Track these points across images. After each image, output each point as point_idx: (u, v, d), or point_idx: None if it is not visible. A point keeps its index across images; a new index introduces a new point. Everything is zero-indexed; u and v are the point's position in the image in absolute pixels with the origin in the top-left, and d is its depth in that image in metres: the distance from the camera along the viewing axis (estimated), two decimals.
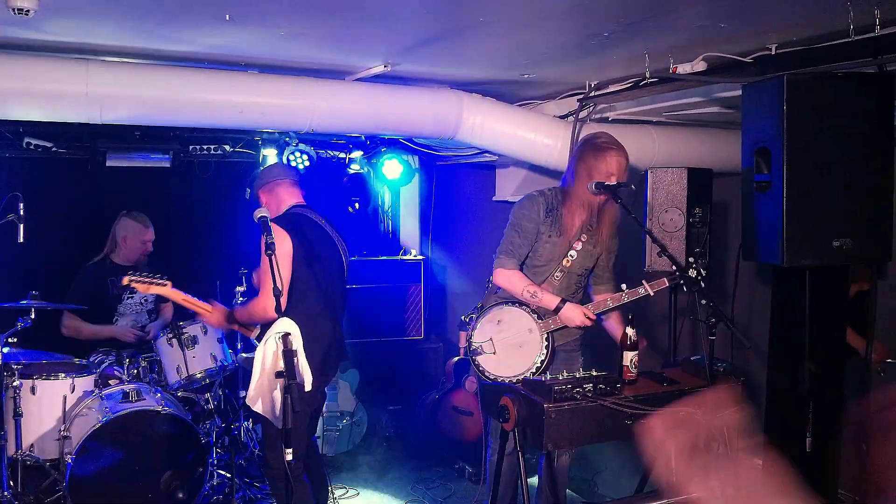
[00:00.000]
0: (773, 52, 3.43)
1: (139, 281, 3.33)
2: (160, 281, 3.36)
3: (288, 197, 3.30)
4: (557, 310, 3.17)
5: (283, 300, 2.68)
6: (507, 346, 3.24)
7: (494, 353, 3.25)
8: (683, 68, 3.56)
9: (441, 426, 4.89)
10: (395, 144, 5.53)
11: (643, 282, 3.16)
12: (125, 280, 3.32)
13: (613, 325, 3.33)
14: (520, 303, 3.27)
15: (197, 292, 4.51)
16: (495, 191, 5.86)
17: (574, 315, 3.15)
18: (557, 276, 3.26)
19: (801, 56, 3.24)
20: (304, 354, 2.39)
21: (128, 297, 4.41)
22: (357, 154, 5.49)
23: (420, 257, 5.55)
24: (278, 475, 3.00)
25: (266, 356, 2.43)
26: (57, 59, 3.70)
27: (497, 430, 3.26)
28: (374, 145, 5.56)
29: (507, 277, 3.28)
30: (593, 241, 3.27)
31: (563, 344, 3.33)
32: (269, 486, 3.41)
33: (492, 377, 3.20)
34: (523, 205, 3.30)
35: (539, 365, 3.16)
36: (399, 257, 5.58)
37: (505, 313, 3.29)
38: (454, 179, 6.17)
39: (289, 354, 2.29)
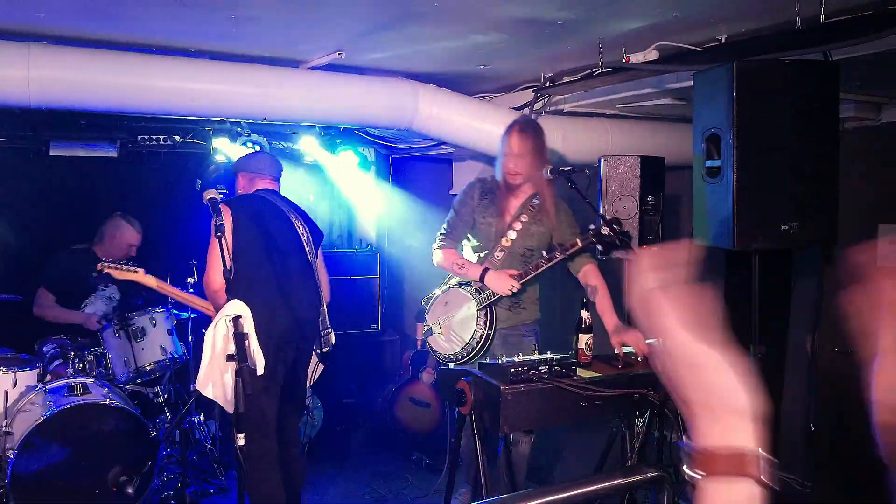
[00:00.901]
0: (723, 42, 3.50)
1: (113, 267, 3.54)
2: (132, 268, 3.58)
3: (261, 185, 3.28)
4: (482, 279, 3.27)
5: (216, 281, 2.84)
6: (451, 324, 3.37)
7: (442, 333, 3.38)
8: (636, 58, 3.61)
9: (398, 418, 4.86)
10: (350, 136, 5.48)
11: (557, 247, 3.27)
12: (99, 266, 3.53)
13: (606, 315, 3.30)
14: (468, 284, 3.37)
15: None
16: (452, 184, 5.86)
17: (498, 280, 3.23)
18: (498, 256, 3.38)
19: (750, 45, 3.31)
20: (255, 337, 2.34)
21: (101, 289, 4.34)
22: (312, 145, 5.41)
23: (376, 251, 5.51)
24: (252, 464, 2.96)
25: (216, 339, 2.37)
26: None
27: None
28: (328, 136, 5.49)
29: (441, 256, 3.48)
30: (537, 221, 3.37)
31: (513, 327, 3.40)
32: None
33: (442, 356, 3.35)
34: (462, 191, 3.54)
35: (478, 339, 3.25)
36: (355, 250, 5.53)
37: (451, 295, 3.43)
38: (411, 173, 6.14)
39: (240, 337, 2.24)
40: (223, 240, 2.49)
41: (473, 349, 3.26)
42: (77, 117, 4.62)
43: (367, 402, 5.14)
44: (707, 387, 0.71)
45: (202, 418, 4.26)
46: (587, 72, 4.04)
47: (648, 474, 2.75)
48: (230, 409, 2.31)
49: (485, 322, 3.27)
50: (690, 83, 3.70)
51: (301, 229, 3.24)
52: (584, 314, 2.97)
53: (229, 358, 2.25)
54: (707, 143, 3.10)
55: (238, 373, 2.18)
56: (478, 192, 3.45)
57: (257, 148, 4.96)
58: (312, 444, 4.72)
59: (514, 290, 3.23)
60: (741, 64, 2.94)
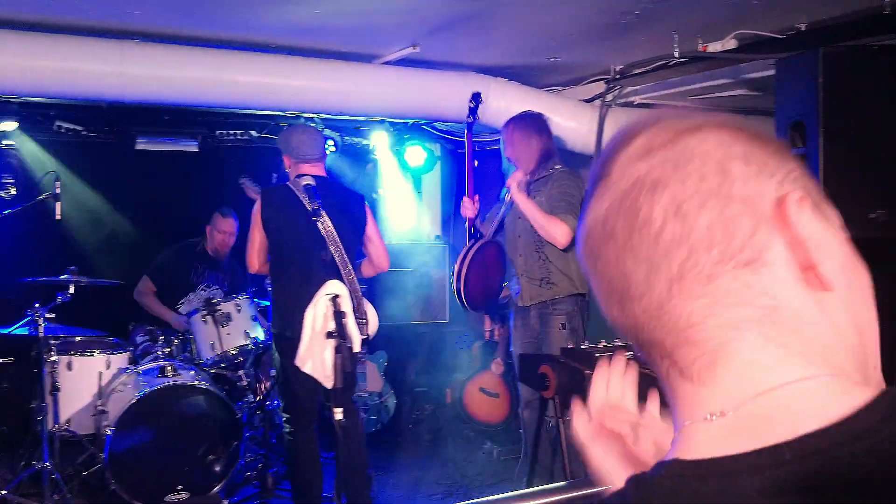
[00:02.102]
0: (804, 30, 3.46)
1: (249, 186, 4.16)
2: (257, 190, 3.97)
3: (304, 171, 3.35)
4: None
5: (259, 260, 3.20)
6: None
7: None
8: (714, 47, 3.59)
9: (468, 408, 4.93)
10: (418, 131, 5.57)
11: None
12: (241, 181, 4.19)
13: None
14: None
15: None
16: None
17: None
18: (520, 235, 3.75)
19: (834, 31, 3.27)
20: (352, 316, 2.43)
21: (201, 289, 4.53)
22: (381, 140, 5.52)
23: (444, 244, 5.59)
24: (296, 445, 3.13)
25: (316, 318, 2.47)
26: (93, 39, 3.76)
27: (533, 402, 3.32)
28: (397, 132, 5.59)
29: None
30: (538, 191, 3.67)
31: (543, 304, 3.61)
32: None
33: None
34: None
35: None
36: (423, 242, 5.62)
37: None
38: (476, 168, 6.20)
39: (339, 315, 2.34)
40: (321, 222, 2.59)
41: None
42: (161, 113, 4.82)
43: (436, 392, 5.23)
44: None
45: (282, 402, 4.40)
46: (662, 62, 4.03)
47: None
48: (328, 384, 2.41)
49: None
50: (768, 73, 3.67)
51: (324, 228, 3.11)
52: None
53: (329, 335, 2.35)
54: (791, 130, 3.07)
55: (337, 349, 2.27)
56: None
57: (330, 143, 5.09)
58: (384, 430, 4.84)
59: (467, 206, 3.88)
60: (828, 50, 2.91)
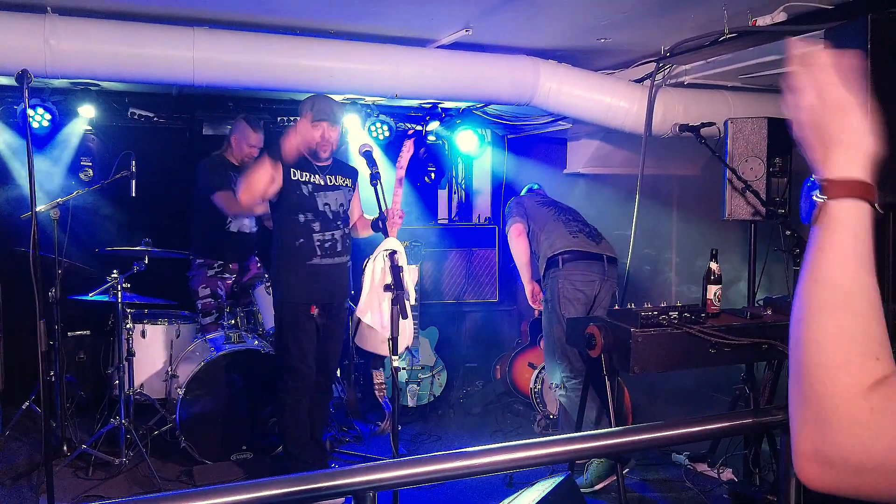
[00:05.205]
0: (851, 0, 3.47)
1: None
2: None
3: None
4: None
5: None
6: None
7: None
8: (763, 20, 3.62)
9: (517, 382, 5.04)
10: (469, 116, 5.70)
11: None
12: None
13: None
14: None
15: None
16: (566, 164, 5.97)
17: None
18: None
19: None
20: (408, 270, 2.57)
21: None
22: (434, 126, 5.67)
23: (493, 225, 5.71)
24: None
25: (375, 272, 2.63)
26: (166, 26, 4.01)
27: (568, 368, 3.48)
28: (449, 118, 5.74)
29: None
30: None
31: None
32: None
33: None
34: None
35: None
36: (474, 224, 5.75)
37: None
38: (526, 153, 6.30)
39: (396, 269, 2.48)
40: (378, 186, 2.74)
41: None
42: (225, 100, 5.07)
43: (485, 368, 5.36)
44: (848, 127, 0.90)
45: (338, 373, 4.60)
46: (713, 38, 4.06)
47: (780, 416, 2.81)
48: (386, 333, 2.57)
49: None
50: (819, 47, 3.69)
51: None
52: (714, 266, 3.04)
53: (386, 288, 2.50)
54: None
55: (394, 301, 2.42)
56: None
57: (384, 128, 5.27)
58: (437, 402, 4.99)
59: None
60: (876, 16, 2.93)
